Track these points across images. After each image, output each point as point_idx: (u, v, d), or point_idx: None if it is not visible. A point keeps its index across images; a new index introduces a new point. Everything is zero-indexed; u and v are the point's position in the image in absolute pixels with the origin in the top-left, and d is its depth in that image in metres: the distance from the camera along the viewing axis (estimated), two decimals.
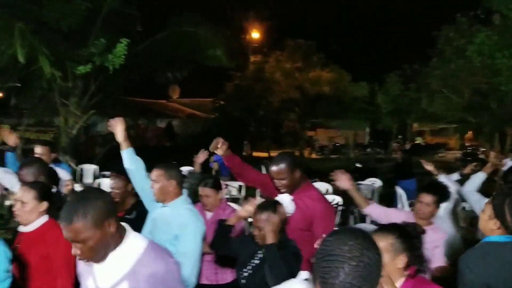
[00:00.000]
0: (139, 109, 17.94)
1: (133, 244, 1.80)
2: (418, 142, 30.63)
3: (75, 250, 1.70)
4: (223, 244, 2.75)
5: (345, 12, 35.11)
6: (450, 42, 16.76)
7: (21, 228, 2.69)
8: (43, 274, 2.44)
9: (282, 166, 2.84)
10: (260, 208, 2.54)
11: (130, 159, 3.01)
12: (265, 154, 23.15)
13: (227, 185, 8.24)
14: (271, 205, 2.55)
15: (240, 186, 9.31)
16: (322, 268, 1.17)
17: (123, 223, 1.84)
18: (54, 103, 11.36)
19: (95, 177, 9.84)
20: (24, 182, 2.92)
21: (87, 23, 10.16)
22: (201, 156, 5.28)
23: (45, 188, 2.76)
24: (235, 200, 8.01)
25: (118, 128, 2.96)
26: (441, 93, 17.92)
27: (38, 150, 4.85)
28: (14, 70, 9.30)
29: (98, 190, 1.91)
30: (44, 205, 2.67)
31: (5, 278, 2.10)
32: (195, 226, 2.74)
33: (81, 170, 10.33)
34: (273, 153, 22.04)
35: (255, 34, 29.38)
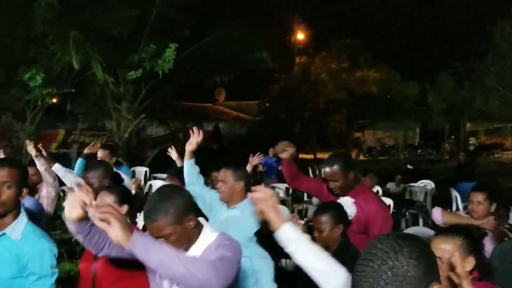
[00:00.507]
0: (186, 112, 18.29)
1: (207, 237, 1.86)
2: (472, 142, 29.37)
3: None
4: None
5: (392, 9, 34.19)
6: (506, 37, 15.97)
7: None
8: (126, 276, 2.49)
9: (336, 167, 2.77)
10: (321, 210, 2.49)
11: (189, 169, 3.23)
12: (310, 156, 22.93)
13: (274, 187, 8.22)
14: (332, 207, 2.50)
15: (288, 188, 9.26)
16: (354, 272, 1.15)
17: (200, 218, 1.91)
18: (107, 108, 11.79)
19: (146, 179, 10.08)
20: (98, 186, 3.01)
21: (137, 29, 10.47)
22: (256, 159, 5.32)
23: (125, 192, 2.83)
24: (282, 202, 7.98)
25: (194, 139, 3.11)
26: (496, 91, 17.09)
27: (100, 153, 5.10)
28: (69, 76, 9.72)
29: (177, 188, 1.96)
30: (125, 208, 2.73)
31: (52, 273, 2.13)
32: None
33: (133, 172, 10.64)
34: (319, 155, 21.85)
35: (300, 35, 29.24)
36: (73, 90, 10.34)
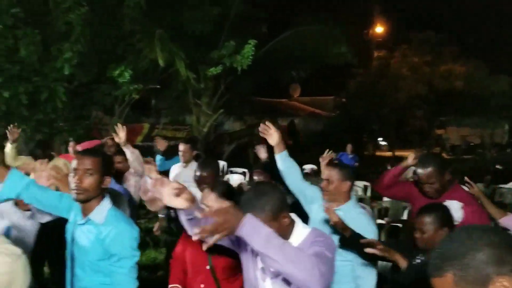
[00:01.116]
0: (262, 108, 18.44)
1: (300, 233, 1.84)
2: None
3: None
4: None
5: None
6: None
7: None
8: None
9: (431, 169, 2.63)
10: (426, 210, 2.37)
11: (283, 162, 3.06)
12: (388, 154, 22.16)
13: None
14: (438, 209, 2.37)
15: (366, 186, 9.03)
16: None
17: (291, 214, 1.90)
18: (187, 103, 12.21)
19: (224, 173, 10.31)
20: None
21: (217, 27, 10.73)
22: (327, 157, 5.26)
23: (228, 188, 2.90)
24: (360, 200, 7.78)
25: (272, 133, 3.03)
26: None
27: (182, 147, 5.28)
28: (154, 73, 10.17)
29: (272, 185, 1.97)
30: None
31: (133, 255, 2.20)
32: (372, 230, 2.65)
33: None
34: (398, 153, 21.03)
35: (379, 28, 28.30)
36: (158, 86, 10.82)
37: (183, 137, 12.20)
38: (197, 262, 2.61)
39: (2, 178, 2.34)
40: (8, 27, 7.38)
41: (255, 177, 4.20)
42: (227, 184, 3.09)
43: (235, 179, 8.91)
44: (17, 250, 2.03)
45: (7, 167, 3.72)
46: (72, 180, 2.19)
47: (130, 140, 4.59)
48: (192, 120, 12.61)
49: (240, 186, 4.23)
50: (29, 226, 3.41)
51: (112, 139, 6.77)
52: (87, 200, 2.22)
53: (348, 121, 21.89)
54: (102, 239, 2.17)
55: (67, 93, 8.18)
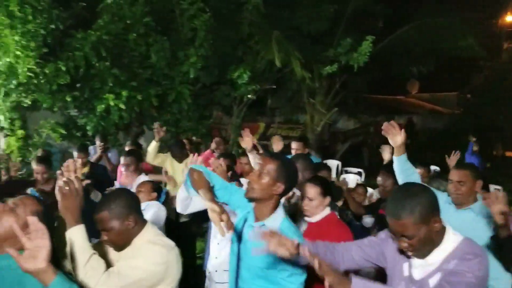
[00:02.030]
0: (377, 105, 17.80)
1: (451, 241, 1.76)
2: None
3: (402, 244, 1.72)
4: None
5: None
6: None
7: (308, 219, 2.98)
8: None
9: None
10: None
11: (402, 165, 2.97)
12: None
13: None
14: None
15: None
16: None
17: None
18: (301, 102, 12.28)
19: (338, 172, 10.17)
20: (308, 179, 3.15)
21: (332, 24, 10.60)
22: (454, 158, 5.05)
23: (327, 184, 2.96)
24: None
25: (396, 133, 2.95)
26: None
27: (294, 145, 5.37)
28: (270, 73, 10.38)
29: (423, 186, 1.89)
30: (327, 199, 2.90)
31: (302, 272, 2.16)
32: None
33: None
34: None
35: (510, 17, 25.58)
36: (274, 86, 11.03)
37: (297, 136, 12.31)
38: None
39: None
40: (141, 35, 8.07)
41: (379, 178, 4.11)
42: (325, 179, 3.10)
43: (351, 179, 8.73)
44: (171, 242, 2.20)
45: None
46: (248, 178, 2.26)
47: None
48: (305, 119, 12.65)
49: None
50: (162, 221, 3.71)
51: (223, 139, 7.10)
52: (256, 200, 2.24)
53: (473, 118, 20.14)
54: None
55: (191, 94, 8.71)
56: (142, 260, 2.03)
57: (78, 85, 7.61)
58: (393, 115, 20.59)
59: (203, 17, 8.27)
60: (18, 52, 6.55)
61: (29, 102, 7.23)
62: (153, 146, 5.62)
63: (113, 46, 7.68)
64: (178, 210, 3.24)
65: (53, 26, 7.04)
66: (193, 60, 8.22)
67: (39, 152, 6.58)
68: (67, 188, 1.91)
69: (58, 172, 2.05)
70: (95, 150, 6.87)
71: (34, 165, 4.78)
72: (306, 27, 10.15)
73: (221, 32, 9.17)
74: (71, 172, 2.04)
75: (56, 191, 1.94)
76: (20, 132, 7.51)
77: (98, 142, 6.64)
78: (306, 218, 2.98)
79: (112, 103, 7.45)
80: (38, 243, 1.48)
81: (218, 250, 3.30)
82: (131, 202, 2.17)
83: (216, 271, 3.29)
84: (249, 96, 10.02)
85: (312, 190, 2.89)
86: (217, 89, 10.00)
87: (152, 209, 3.55)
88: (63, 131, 7.67)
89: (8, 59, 6.61)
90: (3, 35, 6.49)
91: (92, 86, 7.64)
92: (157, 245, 2.10)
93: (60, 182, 1.94)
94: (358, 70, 9.91)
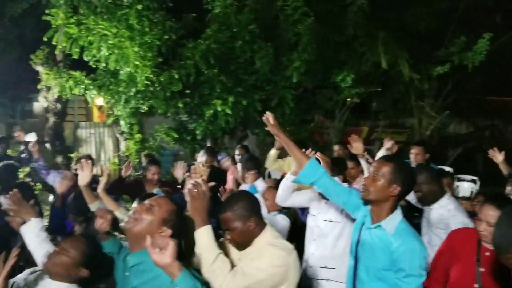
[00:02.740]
0: (494, 108, 16.32)
1: None
2: None
3: None
4: None
5: None
6: None
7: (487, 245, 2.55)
8: None
9: None
10: None
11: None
12: None
13: None
14: None
15: None
16: None
17: None
18: (408, 105, 11.71)
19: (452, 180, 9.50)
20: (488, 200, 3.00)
21: (443, 22, 9.98)
22: None
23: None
24: None
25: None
26: None
27: (414, 150, 5.16)
28: (375, 76, 10.05)
29: None
30: None
31: (420, 275, 2.14)
32: None
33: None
34: None
35: None
36: (379, 89, 10.66)
37: (403, 141, 11.75)
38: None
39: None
40: (246, 42, 8.28)
41: (509, 188, 3.79)
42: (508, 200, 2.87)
43: (465, 187, 8.09)
44: (290, 245, 2.22)
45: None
46: (364, 180, 2.35)
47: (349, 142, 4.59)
48: (413, 122, 12.03)
49: None
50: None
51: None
52: (371, 202, 2.30)
53: None
54: (391, 251, 2.19)
55: (293, 99, 8.73)
56: (264, 262, 2.06)
57: (188, 91, 8.03)
58: None
59: (307, 22, 8.25)
60: (137, 62, 7.10)
61: (146, 108, 7.80)
62: (272, 153, 5.77)
63: (220, 54, 7.98)
64: (277, 200, 3.41)
65: (167, 37, 7.54)
66: (297, 64, 8.23)
67: (143, 156, 7.06)
68: (195, 190, 2.01)
69: (186, 174, 2.18)
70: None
71: (148, 166, 5.08)
72: (414, 26, 9.65)
73: (325, 35, 9.08)
74: (198, 175, 2.14)
75: (185, 193, 2.05)
76: (137, 136, 8.14)
77: (208, 144, 6.96)
78: (486, 245, 2.51)
79: (219, 108, 7.74)
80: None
81: (315, 246, 3.41)
82: (253, 205, 2.26)
83: (310, 267, 3.40)
84: (352, 99, 9.79)
85: (495, 214, 2.41)
86: (319, 93, 9.92)
87: (283, 221, 3.79)
88: (175, 135, 8.15)
89: (128, 69, 7.19)
90: (124, 47, 7.08)
91: (201, 92, 8.02)
92: (278, 248, 2.12)
93: (189, 185, 2.05)
94: (472, 70, 9.20)
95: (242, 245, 2.19)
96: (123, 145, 8.80)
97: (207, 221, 2.03)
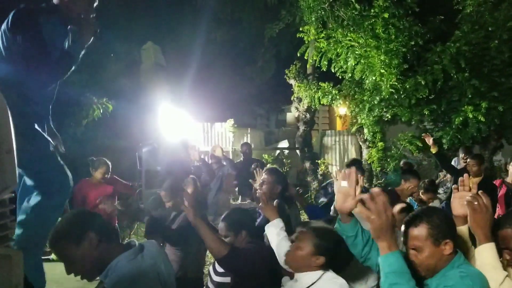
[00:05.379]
0: None
1: None
2: None
3: None
4: None
5: None
6: None
7: None
8: None
9: None
10: None
11: None
12: None
13: None
14: None
15: None
16: None
17: None
18: None
19: None
20: None
21: None
22: None
23: None
24: None
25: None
26: None
27: None
28: None
29: None
30: None
31: None
32: None
33: None
34: None
35: None
36: None
37: None
38: None
39: None
40: (504, 42, 7.39)
41: None
42: None
43: None
44: None
45: None
46: None
47: None
48: None
49: None
50: None
51: None
52: None
53: None
54: None
55: None
56: None
57: (433, 97, 7.66)
58: None
59: None
60: (382, 71, 7.18)
61: (389, 116, 7.80)
62: None
63: (472, 56, 7.36)
64: None
65: (412, 43, 7.37)
66: None
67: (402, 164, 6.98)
68: (475, 203, 1.89)
69: (454, 186, 2.09)
70: (457, 162, 6.81)
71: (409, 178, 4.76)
72: None
73: None
74: (467, 187, 2.01)
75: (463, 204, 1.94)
76: (380, 144, 8.20)
77: (461, 155, 6.50)
78: None
79: (470, 115, 7.14)
80: None
81: None
82: None
83: None
84: None
85: None
86: None
87: None
88: (419, 144, 7.88)
89: (373, 77, 7.33)
90: (370, 56, 7.25)
91: (450, 98, 7.55)
92: None
93: (468, 198, 1.94)
94: None
95: None
96: (365, 153, 8.99)
97: (490, 237, 1.86)
